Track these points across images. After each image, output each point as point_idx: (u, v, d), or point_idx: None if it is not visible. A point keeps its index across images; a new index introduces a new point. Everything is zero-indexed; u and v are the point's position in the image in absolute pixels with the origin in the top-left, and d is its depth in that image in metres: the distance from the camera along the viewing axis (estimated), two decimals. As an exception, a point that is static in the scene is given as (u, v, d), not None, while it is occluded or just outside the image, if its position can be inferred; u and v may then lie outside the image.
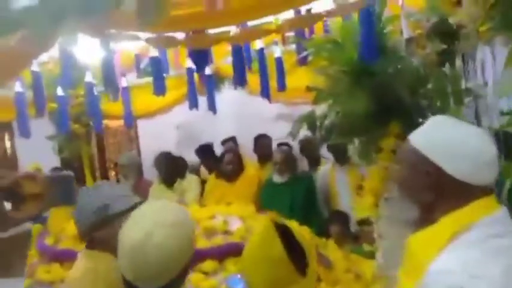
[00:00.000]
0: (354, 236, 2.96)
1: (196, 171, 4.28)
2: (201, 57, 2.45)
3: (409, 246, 0.98)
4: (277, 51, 2.76)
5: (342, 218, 3.08)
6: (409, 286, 0.93)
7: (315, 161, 3.83)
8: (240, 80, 2.65)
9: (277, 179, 3.29)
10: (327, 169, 3.57)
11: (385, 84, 1.77)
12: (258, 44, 2.62)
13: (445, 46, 1.81)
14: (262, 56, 2.66)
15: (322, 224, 3.17)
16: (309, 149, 3.86)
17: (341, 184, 3.41)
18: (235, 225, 2.26)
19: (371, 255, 2.33)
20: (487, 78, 1.80)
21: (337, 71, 1.88)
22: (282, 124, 4.33)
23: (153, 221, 1.05)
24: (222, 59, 3.30)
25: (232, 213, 2.36)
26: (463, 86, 1.88)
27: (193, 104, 2.95)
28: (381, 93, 1.75)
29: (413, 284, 0.91)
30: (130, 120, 3.53)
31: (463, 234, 0.91)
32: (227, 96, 3.83)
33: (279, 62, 2.71)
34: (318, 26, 3.32)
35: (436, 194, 0.97)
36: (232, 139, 4.32)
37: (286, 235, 1.10)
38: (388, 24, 1.93)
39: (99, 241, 1.38)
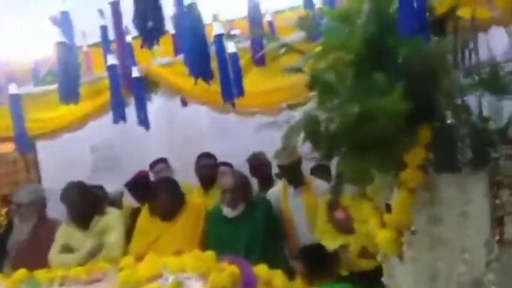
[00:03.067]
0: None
1: (118, 203, 3.38)
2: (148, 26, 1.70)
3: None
4: (231, 46, 2.14)
5: (311, 252, 2.49)
6: None
7: (267, 182, 3.23)
8: (228, 96, 1.93)
9: (228, 212, 2.59)
10: (277, 191, 2.99)
11: (418, 73, 1.24)
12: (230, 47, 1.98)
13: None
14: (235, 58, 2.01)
15: (285, 260, 2.59)
16: (260, 168, 3.26)
17: (295, 209, 2.86)
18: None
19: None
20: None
21: (347, 57, 1.30)
22: (230, 139, 3.69)
23: None
24: (156, 59, 2.56)
25: (187, 268, 1.62)
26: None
27: (120, 115, 2.15)
28: (413, 86, 1.21)
29: None
30: (24, 141, 2.55)
31: None
32: (157, 107, 3.05)
33: (234, 59, 2.08)
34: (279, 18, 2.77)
35: None
36: (163, 160, 3.52)
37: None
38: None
39: None
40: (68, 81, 1.82)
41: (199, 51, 1.68)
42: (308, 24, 1.51)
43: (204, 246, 2.59)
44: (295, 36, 2.36)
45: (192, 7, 1.92)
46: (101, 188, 3.31)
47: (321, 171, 3.46)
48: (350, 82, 1.23)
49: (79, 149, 3.94)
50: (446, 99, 1.34)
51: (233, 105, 2.05)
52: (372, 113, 1.16)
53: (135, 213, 2.88)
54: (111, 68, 2.14)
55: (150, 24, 1.63)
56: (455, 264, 1.30)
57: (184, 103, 3.19)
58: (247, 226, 2.59)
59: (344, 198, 2.55)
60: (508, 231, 1.27)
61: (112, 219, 2.76)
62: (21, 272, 2.36)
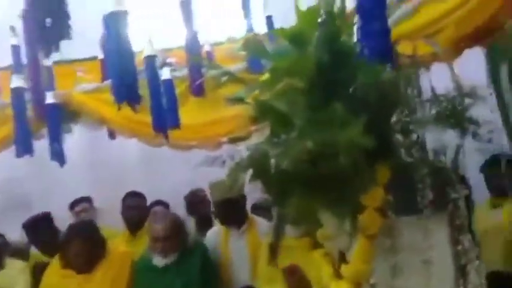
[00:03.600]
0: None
1: (24, 253, 2.85)
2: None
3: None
4: (165, 73, 1.91)
5: None
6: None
7: (205, 222, 2.96)
8: (160, 126, 1.65)
9: (159, 261, 2.26)
10: (216, 232, 2.75)
11: (375, 105, 1.12)
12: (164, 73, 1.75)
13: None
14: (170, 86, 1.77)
15: None
16: (199, 206, 3.00)
17: (237, 252, 2.63)
18: None
19: None
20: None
21: (298, 84, 1.15)
22: (163, 175, 3.37)
23: None
24: (79, 85, 2.23)
25: None
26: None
27: (24, 148, 1.77)
28: (369, 119, 1.09)
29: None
30: None
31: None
32: (78, 139, 2.68)
33: (168, 86, 1.84)
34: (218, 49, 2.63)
35: None
36: (86, 200, 3.11)
37: None
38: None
39: None
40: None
41: (126, 74, 1.44)
42: (254, 45, 1.34)
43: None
44: (236, 66, 2.24)
45: (120, 28, 1.69)
46: (1, 236, 2.79)
47: (261, 209, 3.28)
48: (304, 112, 1.07)
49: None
50: (402, 134, 1.24)
51: (166, 137, 1.80)
52: (332, 147, 1.00)
53: (40, 268, 2.40)
54: (15, 91, 1.78)
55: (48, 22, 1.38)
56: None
57: (112, 135, 2.87)
58: (180, 277, 2.29)
59: (286, 241, 2.40)
60: (472, 280, 1.15)
61: (12, 274, 2.29)
62: None
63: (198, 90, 2.19)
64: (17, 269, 2.31)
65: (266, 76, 1.39)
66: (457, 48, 1.64)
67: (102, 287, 2.21)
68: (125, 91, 1.41)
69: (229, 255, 2.66)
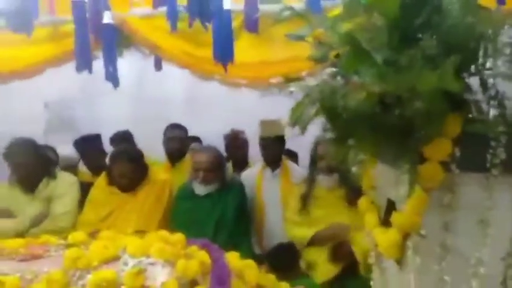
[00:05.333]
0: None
1: (73, 168, 3.03)
2: None
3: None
4: (226, 2, 1.84)
5: (279, 254, 2.35)
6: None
7: (242, 164, 3.02)
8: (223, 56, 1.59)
9: (201, 189, 2.40)
10: (253, 173, 2.85)
11: (464, 48, 1.03)
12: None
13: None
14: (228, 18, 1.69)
15: (251, 250, 2.44)
16: (237, 148, 3.05)
17: (270, 194, 2.74)
18: (160, 277, 1.27)
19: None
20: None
21: (379, 21, 1.07)
22: (204, 111, 3.40)
23: None
24: (130, 9, 2.19)
25: (151, 252, 1.35)
26: None
27: (84, 64, 1.80)
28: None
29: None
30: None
31: None
32: (126, 65, 2.69)
33: (227, 18, 1.78)
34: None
35: None
36: (125, 136, 3.17)
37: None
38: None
39: None
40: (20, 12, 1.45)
41: None
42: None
43: (166, 225, 2.37)
44: (294, 5, 2.12)
45: None
46: (52, 150, 2.96)
47: (290, 156, 3.31)
48: (385, 51, 1.00)
49: (30, 103, 3.50)
50: (481, 87, 1.15)
51: (225, 68, 1.76)
52: (410, 91, 0.94)
53: (87, 185, 2.56)
54: (77, 5, 1.76)
55: None
56: (466, 278, 1.13)
57: (158, 66, 2.87)
58: (218, 207, 2.41)
59: (318, 191, 2.42)
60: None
61: (63, 185, 2.45)
62: None
63: (253, 26, 2.11)
64: (67, 181, 2.46)
65: (337, 12, 1.31)
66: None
67: (143, 206, 2.34)
68: (198, 8, 1.36)
69: (262, 195, 2.76)
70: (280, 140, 2.65)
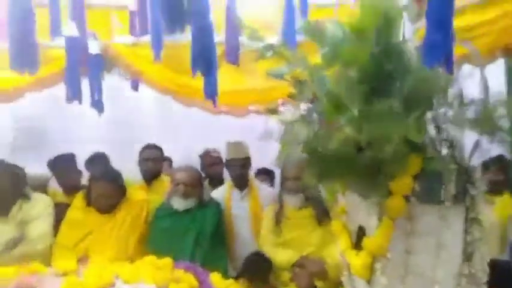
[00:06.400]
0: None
1: (42, 188, 2.98)
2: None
3: None
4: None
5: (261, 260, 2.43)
6: None
7: (217, 182, 3.11)
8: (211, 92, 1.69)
9: (180, 204, 2.42)
10: (221, 193, 2.89)
11: (420, 102, 1.24)
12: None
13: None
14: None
15: (226, 268, 2.47)
16: (212, 166, 3.14)
17: (238, 214, 2.80)
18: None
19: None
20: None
21: (353, 74, 1.26)
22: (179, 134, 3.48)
23: None
24: (116, 36, 2.27)
25: (142, 277, 1.44)
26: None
27: (74, 94, 1.86)
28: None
29: None
30: None
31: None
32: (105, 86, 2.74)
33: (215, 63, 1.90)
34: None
35: None
36: (101, 158, 3.17)
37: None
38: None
39: None
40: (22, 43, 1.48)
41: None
42: (313, 30, 1.43)
43: (143, 246, 2.41)
44: (270, 39, 2.28)
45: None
46: (20, 169, 2.89)
47: (264, 175, 3.44)
48: (358, 102, 1.19)
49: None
50: (436, 130, 1.36)
51: (214, 103, 1.89)
52: (382, 139, 1.13)
53: (58, 206, 2.54)
54: (69, 40, 1.84)
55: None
56: (424, 295, 1.32)
57: (135, 87, 2.93)
58: (197, 223, 2.45)
59: (288, 211, 2.52)
60: (475, 266, 1.33)
61: (39, 206, 2.42)
62: None
63: (234, 58, 2.26)
64: (43, 203, 2.41)
65: (317, 60, 1.48)
66: (492, 55, 1.74)
67: (122, 227, 2.37)
68: (202, 60, 1.47)
69: (231, 215, 2.80)
70: (246, 161, 2.72)
